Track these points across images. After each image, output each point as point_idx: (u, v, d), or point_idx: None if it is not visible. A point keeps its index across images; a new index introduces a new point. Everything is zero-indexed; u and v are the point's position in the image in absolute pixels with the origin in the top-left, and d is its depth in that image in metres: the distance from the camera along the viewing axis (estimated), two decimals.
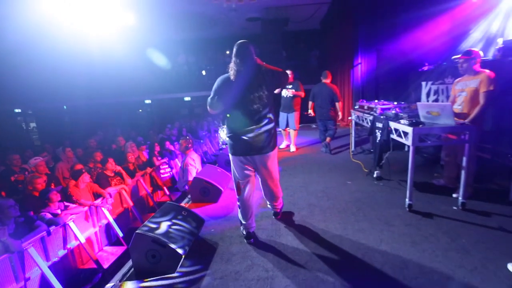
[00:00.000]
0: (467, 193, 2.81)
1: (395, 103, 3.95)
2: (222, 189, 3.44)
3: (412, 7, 6.78)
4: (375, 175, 3.85)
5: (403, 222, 2.65)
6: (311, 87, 5.60)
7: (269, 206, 2.85)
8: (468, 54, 2.85)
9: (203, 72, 13.46)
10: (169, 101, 14.03)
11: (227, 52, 12.41)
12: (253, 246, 2.43)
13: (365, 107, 4.38)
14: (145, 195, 5.07)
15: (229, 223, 2.90)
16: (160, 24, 9.84)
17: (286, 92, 5.39)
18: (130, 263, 2.30)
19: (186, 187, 4.21)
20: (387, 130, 3.29)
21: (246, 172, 2.38)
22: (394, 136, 3.16)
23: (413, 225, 2.59)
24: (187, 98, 14.38)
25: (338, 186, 3.71)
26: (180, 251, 2.13)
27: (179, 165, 6.61)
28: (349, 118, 5.24)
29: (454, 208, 2.82)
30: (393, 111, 3.40)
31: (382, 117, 3.57)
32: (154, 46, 11.64)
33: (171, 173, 5.84)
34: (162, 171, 5.66)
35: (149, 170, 5.15)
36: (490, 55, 3.86)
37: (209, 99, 2.31)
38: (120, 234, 3.96)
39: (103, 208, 3.85)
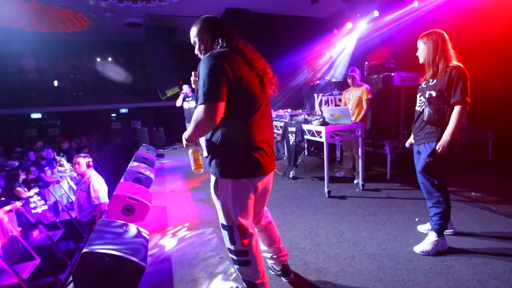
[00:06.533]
0: (362, 178, 4.01)
1: (300, 110, 5.04)
2: (150, 205, 3.40)
3: (288, 36, 8.86)
4: (291, 175, 4.73)
5: (327, 205, 3.51)
6: None
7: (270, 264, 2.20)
8: (354, 71, 4.18)
9: (55, 83, 11.78)
10: (2, 119, 11.32)
11: (98, 60, 11.46)
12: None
13: (274, 115, 5.31)
14: (12, 238, 4.11)
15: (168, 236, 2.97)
16: None
17: (189, 105, 6.38)
18: None
19: (96, 214, 3.78)
20: (301, 132, 4.22)
21: (252, 201, 1.73)
22: (308, 136, 4.11)
23: (335, 206, 3.48)
24: (35, 115, 12.07)
25: None
26: (142, 263, 2.11)
27: (58, 193, 5.68)
28: None
29: (357, 190, 3.96)
30: (303, 116, 4.40)
31: (293, 122, 4.52)
32: None
33: (45, 206, 4.93)
34: (32, 205, 4.71)
35: (17, 204, 4.23)
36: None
37: (209, 94, 1.46)
38: None
39: None
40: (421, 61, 2.37)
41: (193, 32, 1.73)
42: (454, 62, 2.22)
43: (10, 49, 9.95)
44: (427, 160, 2.28)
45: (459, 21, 4.65)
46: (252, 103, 1.62)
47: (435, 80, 2.26)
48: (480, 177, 4.33)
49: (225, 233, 1.75)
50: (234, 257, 1.76)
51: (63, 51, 10.97)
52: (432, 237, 2.36)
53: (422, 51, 2.32)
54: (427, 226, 2.68)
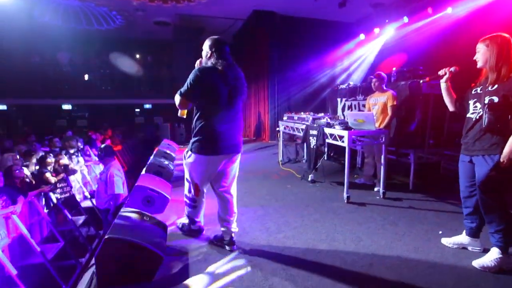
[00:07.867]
0: (383, 186, 3.90)
1: (322, 114, 4.97)
2: (169, 197, 3.45)
3: (313, 40, 8.83)
4: (309, 179, 4.66)
5: (346, 210, 3.44)
6: None
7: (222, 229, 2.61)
8: (380, 76, 4.07)
9: (86, 77, 12.26)
10: (37, 109, 11.88)
11: (127, 56, 11.82)
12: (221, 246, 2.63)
13: (295, 118, 5.27)
14: (38, 221, 4.31)
15: None
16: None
17: None
18: (88, 274, 2.13)
19: (111, 203, 3.90)
20: (322, 136, 4.16)
21: (208, 173, 2.47)
22: (329, 140, 4.04)
23: (353, 212, 3.40)
24: (66, 106, 12.60)
25: (281, 190, 4.31)
26: (161, 253, 2.14)
27: (79, 181, 5.88)
28: (277, 129, 6.08)
29: (377, 197, 3.86)
30: (325, 120, 4.33)
31: (315, 125, 4.46)
32: (21, 34, 9.84)
33: (70, 192, 5.13)
34: (59, 190, 4.92)
35: (46, 188, 4.42)
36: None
37: (184, 91, 2.28)
38: (14, 272, 3.25)
39: None
40: (480, 65, 2.18)
41: (204, 43, 2.42)
42: None
43: (48, 44, 10.44)
44: (489, 174, 2.08)
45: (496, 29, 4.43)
46: (219, 104, 2.30)
47: (495, 85, 2.08)
48: None
49: (186, 184, 2.62)
50: (188, 201, 2.65)
51: (95, 47, 11.41)
52: (495, 253, 2.17)
53: (483, 55, 2.13)
54: (453, 239, 2.55)
